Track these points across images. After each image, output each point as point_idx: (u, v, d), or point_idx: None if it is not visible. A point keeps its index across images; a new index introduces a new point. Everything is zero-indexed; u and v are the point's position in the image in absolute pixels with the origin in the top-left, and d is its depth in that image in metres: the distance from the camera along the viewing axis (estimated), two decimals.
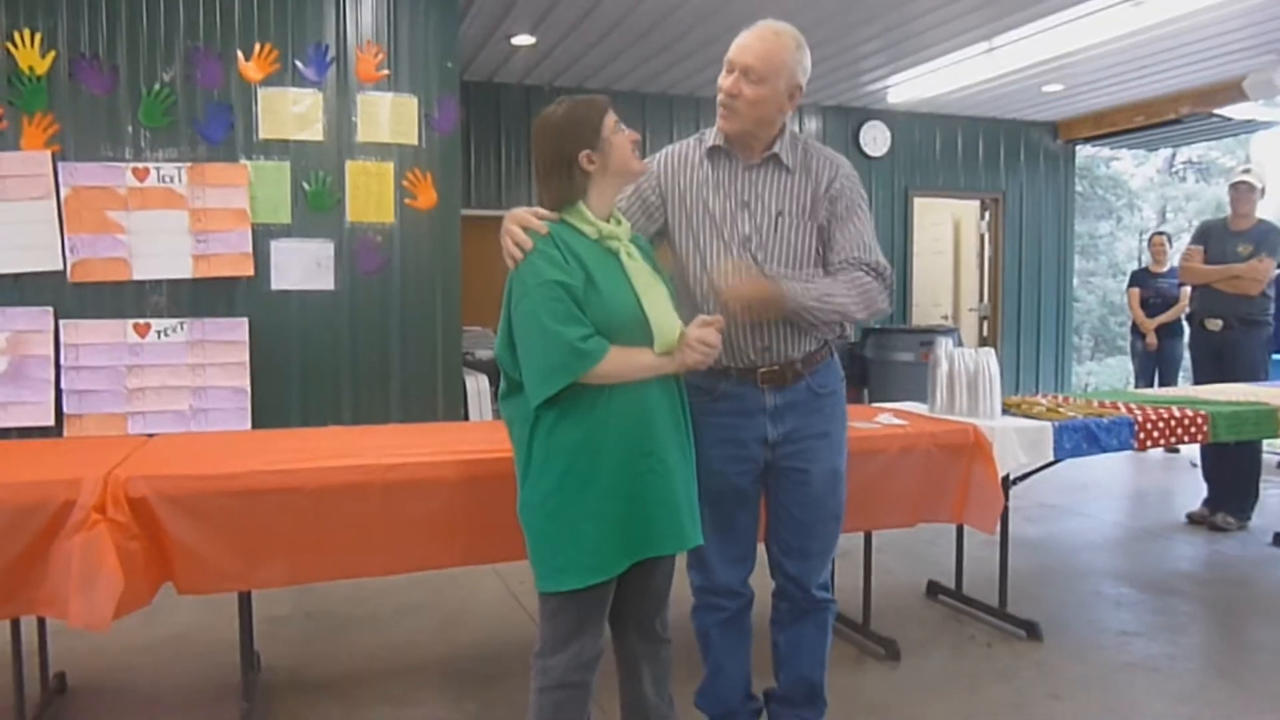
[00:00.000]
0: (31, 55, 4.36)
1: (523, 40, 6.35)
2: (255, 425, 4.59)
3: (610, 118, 2.06)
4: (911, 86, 7.70)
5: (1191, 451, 6.42)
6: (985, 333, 9.38)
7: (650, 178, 2.37)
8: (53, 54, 4.40)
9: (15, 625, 2.64)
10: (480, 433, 3.08)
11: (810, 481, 2.35)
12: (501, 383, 2.11)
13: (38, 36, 4.37)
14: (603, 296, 1.98)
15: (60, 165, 4.40)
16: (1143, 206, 18.59)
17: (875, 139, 8.62)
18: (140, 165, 4.50)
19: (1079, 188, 12.07)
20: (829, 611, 2.48)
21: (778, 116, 2.28)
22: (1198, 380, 5.28)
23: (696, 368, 2.07)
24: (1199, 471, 5.41)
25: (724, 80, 2.24)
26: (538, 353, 1.95)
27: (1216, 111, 7.80)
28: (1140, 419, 3.48)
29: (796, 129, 2.39)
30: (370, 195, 4.83)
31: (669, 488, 2.04)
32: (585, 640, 2.06)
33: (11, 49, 4.34)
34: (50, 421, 4.38)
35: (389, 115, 4.86)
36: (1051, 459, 3.38)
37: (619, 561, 2.02)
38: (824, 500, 2.38)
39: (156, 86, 4.53)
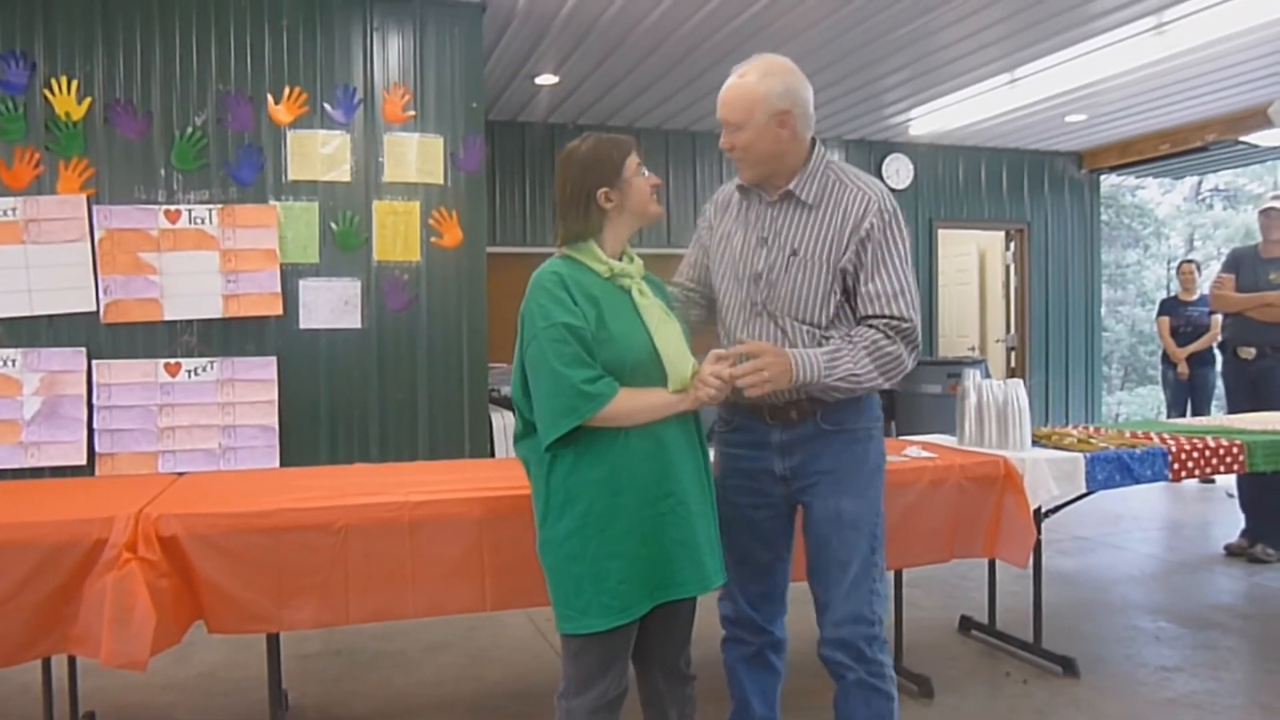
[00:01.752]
0: (68, 101, 4.47)
1: (546, 80, 6.43)
2: (284, 463, 4.61)
3: (633, 159, 2.09)
4: (934, 118, 7.72)
5: (1228, 482, 6.31)
6: (1013, 364, 9.30)
7: (704, 219, 2.44)
8: (89, 100, 4.50)
9: (46, 663, 2.65)
10: (507, 469, 3.08)
11: (812, 521, 2.26)
12: (516, 423, 2.11)
13: (74, 83, 4.47)
14: (614, 335, 1.99)
15: (95, 208, 4.49)
16: (1170, 234, 18.44)
17: (898, 171, 8.62)
18: (172, 207, 4.58)
19: (1105, 217, 12.01)
20: (849, 681, 2.23)
21: (781, 149, 2.21)
22: (1232, 409, 5.20)
23: (710, 404, 2.06)
24: (1236, 502, 5.31)
25: (721, 140, 2.27)
26: (547, 395, 1.96)
27: (1243, 139, 7.74)
28: (1174, 449, 3.43)
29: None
30: (397, 234, 4.88)
31: (690, 528, 2.04)
32: (609, 681, 2.04)
33: (49, 95, 4.44)
34: (83, 460, 4.43)
35: (415, 155, 4.92)
36: (1084, 490, 3.32)
37: (641, 603, 2.00)
38: (828, 542, 2.23)
39: (189, 130, 4.62)
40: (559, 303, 1.97)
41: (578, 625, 1.99)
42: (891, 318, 2.14)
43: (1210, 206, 18.65)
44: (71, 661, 2.90)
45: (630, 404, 1.98)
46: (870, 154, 8.58)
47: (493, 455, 5.37)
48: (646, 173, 2.12)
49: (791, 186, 2.24)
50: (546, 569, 2.05)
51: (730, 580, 2.26)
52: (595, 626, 1.97)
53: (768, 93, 2.17)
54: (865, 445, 2.26)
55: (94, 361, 4.47)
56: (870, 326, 2.16)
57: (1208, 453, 3.48)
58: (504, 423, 5.58)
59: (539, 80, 6.45)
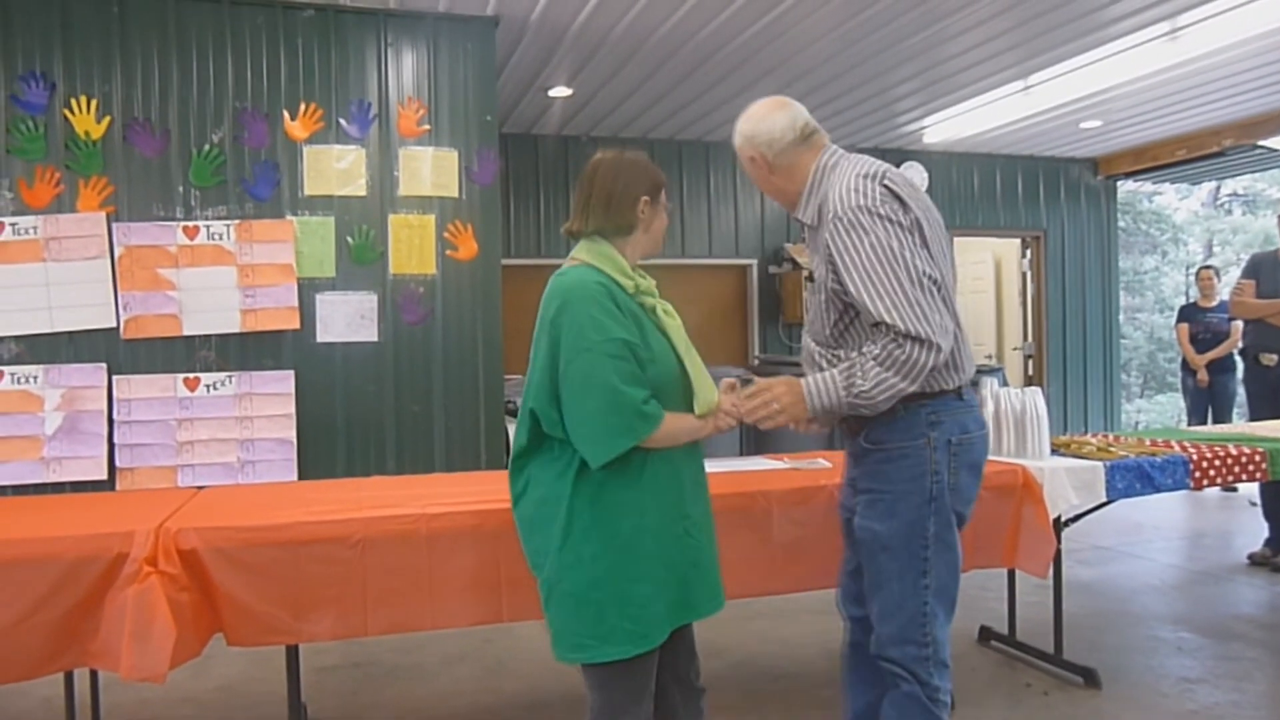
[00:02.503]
0: (88, 121, 4.52)
1: (560, 92, 6.46)
2: (301, 476, 4.64)
3: (662, 191, 2.13)
4: (947, 126, 7.70)
5: (1250, 490, 6.25)
6: (1031, 372, 9.25)
7: None
8: (108, 119, 4.55)
9: (68, 678, 2.67)
10: None
11: (856, 538, 2.24)
12: (522, 438, 2.02)
13: (94, 102, 4.52)
14: (654, 354, 1.98)
15: (114, 225, 4.53)
16: (1188, 240, 18.32)
17: (912, 180, 8.58)
18: (190, 224, 4.62)
19: (1121, 223, 11.93)
20: (901, 690, 2.17)
21: (777, 183, 2.27)
22: (1254, 416, 5.15)
23: (725, 432, 2.09)
24: (1259, 510, 5.26)
25: None
26: (600, 413, 1.88)
27: (1261, 143, 7.69)
28: (1195, 457, 3.40)
29: (834, 156, 2.26)
30: (412, 248, 4.91)
31: (701, 548, 2.04)
32: (642, 708, 2.00)
33: (69, 115, 4.50)
34: (103, 475, 4.46)
35: (430, 169, 4.95)
36: (1104, 499, 3.31)
37: (663, 628, 1.97)
38: (869, 561, 2.19)
39: (206, 147, 4.66)
40: (612, 316, 1.91)
41: (597, 654, 1.92)
42: (882, 324, 2.00)
43: (1229, 212, 18.53)
44: (93, 675, 2.92)
45: (671, 427, 1.96)
46: (884, 162, 8.55)
47: (508, 468, 5.37)
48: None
49: (798, 213, 2.26)
50: (561, 596, 1.95)
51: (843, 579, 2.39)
52: (619, 654, 1.91)
53: (746, 142, 2.26)
54: (899, 464, 2.13)
55: (114, 377, 4.51)
56: (876, 338, 2.05)
57: (1229, 460, 3.45)
58: None
59: (552, 92, 6.48)
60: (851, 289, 2.04)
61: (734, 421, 2.05)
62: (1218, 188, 17.73)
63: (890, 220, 2.05)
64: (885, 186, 2.12)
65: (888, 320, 1.99)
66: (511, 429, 5.46)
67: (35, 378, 4.43)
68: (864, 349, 2.06)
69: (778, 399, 2.05)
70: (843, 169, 2.19)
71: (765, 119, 2.23)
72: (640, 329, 1.97)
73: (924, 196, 2.23)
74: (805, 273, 2.24)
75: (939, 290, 2.07)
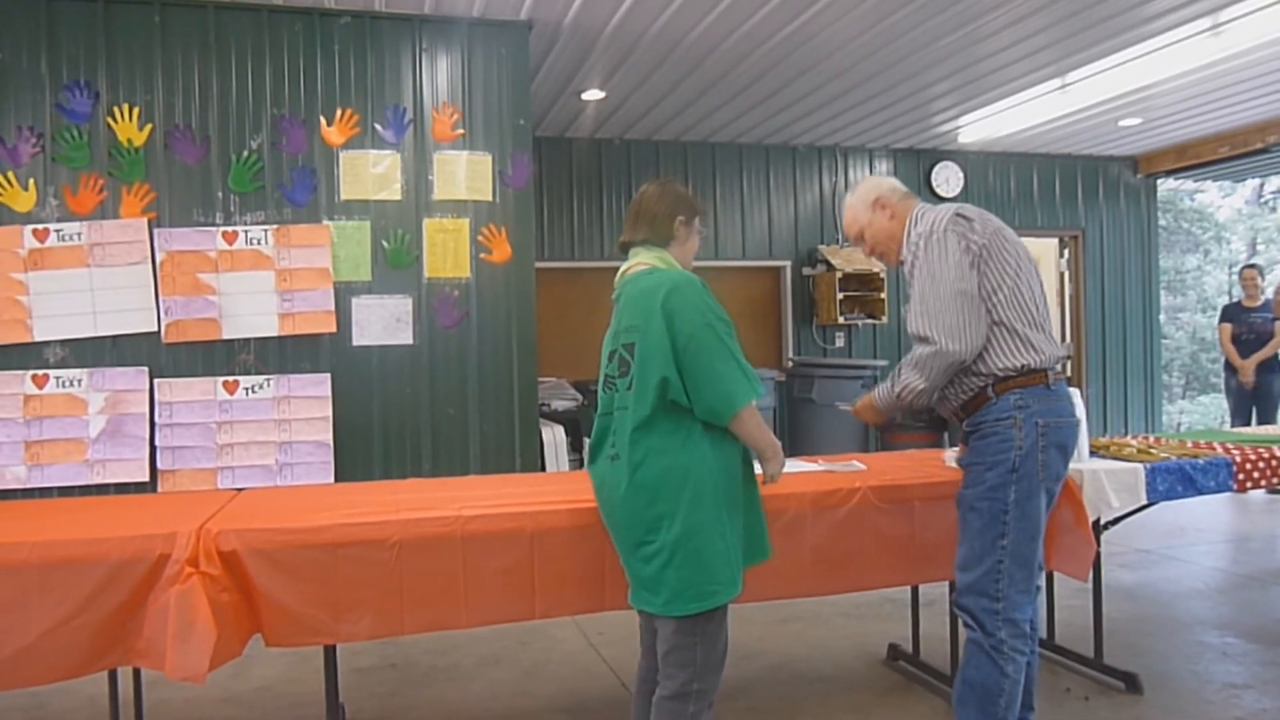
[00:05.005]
0: (130, 128, 4.60)
1: (593, 95, 6.48)
2: (338, 478, 4.69)
3: (701, 218, 2.53)
4: (983, 126, 7.63)
5: None
6: (1070, 373, 9.13)
7: None
8: (149, 127, 4.63)
9: (113, 676, 2.71)
10: (558, 483, 3.10)
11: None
12: (644, 410, 2.25)
13: (135, 111, 4.61)
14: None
15: (156, 231, 4.61)
16: (1231, 239, 17.98)
17: (948, 180, 8.53)
18: (230, 229, 4.69)
19: (1162, 222, 11.76)
20: (971, 640, 2.54)
21: (892, 225, 2.73)
22: None
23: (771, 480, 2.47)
24: None
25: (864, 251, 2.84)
26: (735, 371, 2.24)
27: None
28: (1239, 459, 3.34)
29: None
30: (447, 251, 4.95)
31: (760, 502, 2.44)
32: (726, 653, 2.34)
33: (112, 123, 4.58)
34: (146, 477, 4.54)
35: (464, 173, 4.99)
36: (1144, 502, 3.25)
37: (743, 568, 2.32)
38: (961, 522, 2.61)
39: (245, 154, 4.73)
40: (715, 301, 2.31)
41: (721, 597, 2.22)
42: (914, 335, 2.55)
43: (1273, 209, 18.17)
44: (136, 675, 2.97)
45: (756, 423, 2.32)
46: (919, 163, 8.51)
47: (543, 469, 5.40)
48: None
49: (901, 254, 2.72)
50: (690, 552, 2.21)
51: None
52: (734, 594, 2.25)
53: (863, 206, 2.79)
54: (989, 440, 2.53)
55: (156, 380, 4.59)
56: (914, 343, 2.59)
57: (1274, 463, 3.39)
58: (554, 437, 5.61)
59: (585, 96, 6.50)
60: (912, 303, 2.58)
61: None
62: (1261, 185, 17.39)
63: (943, 240, 2.54)
64: (956, 214, 2.59)
65: (909, 327, 2.56)
66: (546, 431, 5.50)
67: (80, 381, 4.51)
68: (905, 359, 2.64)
69: (862, 402, 2.77)
70: (929, 206, 2.74)
71: (877, 180, 2.82)
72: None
73: (995, 220, 2.63)
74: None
75: (971, 303, 2.49)
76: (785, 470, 2.51)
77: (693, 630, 2.23)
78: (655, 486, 2.23)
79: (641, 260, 2.42)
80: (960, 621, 2.60)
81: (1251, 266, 7.92)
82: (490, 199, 5.02)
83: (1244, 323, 7.37)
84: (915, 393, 2.56)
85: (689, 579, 2.20)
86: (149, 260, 4.59)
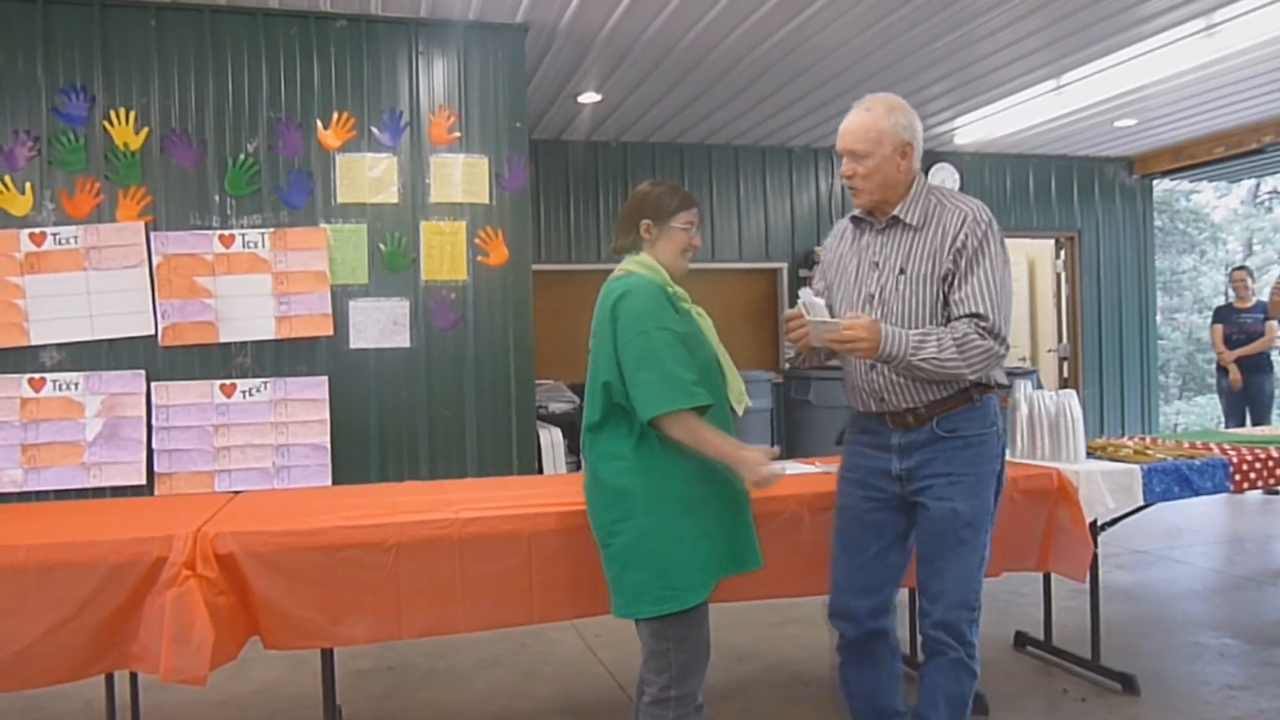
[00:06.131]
0: (126, 132, 4.60)
1: (589, 98, 6.49)
2: (335, 481, 4.68)
3: (687, 215, 2.39)
4: (979, 127, 7.64)
5: None
6: (1066, 374, 9.14)
7: (825, 251, 2.67)
8: (146, 130, 4.63)
9: (109, 679, 2.71)
10: (555, 486, 3.10)
11: (929, 518, 2.43)
12: (594, 413, 2.27)
13: (132, 114, 4.61)
14: (701, 343, 2.31)
15: (152, 234, 4.61)
16: (1227, 239, 18.01)
17: (944, 181, 8.53)
18: (226, 232, 4.69)
19: (1158, 222, 11.77)
20: (948, 658, 2.42)
21: (899, 177, 2.43)
22: None
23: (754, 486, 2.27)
24: None
25: (843, 168, 2.48)
26: (659, 381, 2.17)
27: None
28: (1235, 460, 3.35)
29: (935, 181, 2.55)
30: (444, 254, 4.95)
31: (745, 512, 2.37)
32: (707, 657, 2.29)
33: (108, 127, 4.58)
34: (142, 480, 4.53)
35: (461, 176, 4.99)
36: (1141, 503, 3.26)
37: (719, 574, 2.27)
38: (942, 537, 2.41)
39: (241, 157, 4.73)
40: (664, 308, 2.26)
41: (683, 601, 2.19)
42: (977, 315, 2.31)
43: (1269, 210, 18.20)
44: (133, 678, 2.97)
45: (706, 435, 2.20)
46: None
47: (540, 472, 5.40)
48: (694, 232, 2.42)
49: (897, 212, 2.45)
50: (647, 554, 2.20)
51: (836, 567, 2.57)
52: (697, 599, 2.20)
53: (895, 126, 2.44)
54: (978, 449, 2.42)
55: (152, 383, 4.58)
56: (962, 321, 2.33)
57: (1270, 463, 3.39)
58: (551, 439, 5.61)
59: (581, 98, 6.50)
60: (970, 282, 2.33)
61: (759, 485, 2.24)
62: (1257, 185, 17.41)
63: (1000, 237, 2.41)
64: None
65: (982, 312, 2.30)
66: (544, 434, 5.50)
67: (76, 384, 4.51)
68: (946, 329, 2.32)
69: (862, 330, 2.27)
70: (953, 191, 2.52)
71: (918, 118, 2.50)
72: (687, 324, 2.30)
73: None
74: (898, 269, 2.42)
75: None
76: (787, 472, 2.49)
77: (664, 634, 2.22)
78: (610, 490, 2.26)
79: (623, 265, 2.40)
80: (929, 649, 2.46)
81: (1242, 268, 7.97)
82: (487, 202, 5.02)
83: (1235, 324, 7.43)
84: (943, 374, 2.31)
85: (646, 582, 2.19)
86: (145, 263, 4.59)
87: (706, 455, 2.21)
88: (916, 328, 2.36)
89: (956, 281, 2.35)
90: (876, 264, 2.46)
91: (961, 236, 2.36)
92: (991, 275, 2.34)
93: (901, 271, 2.41)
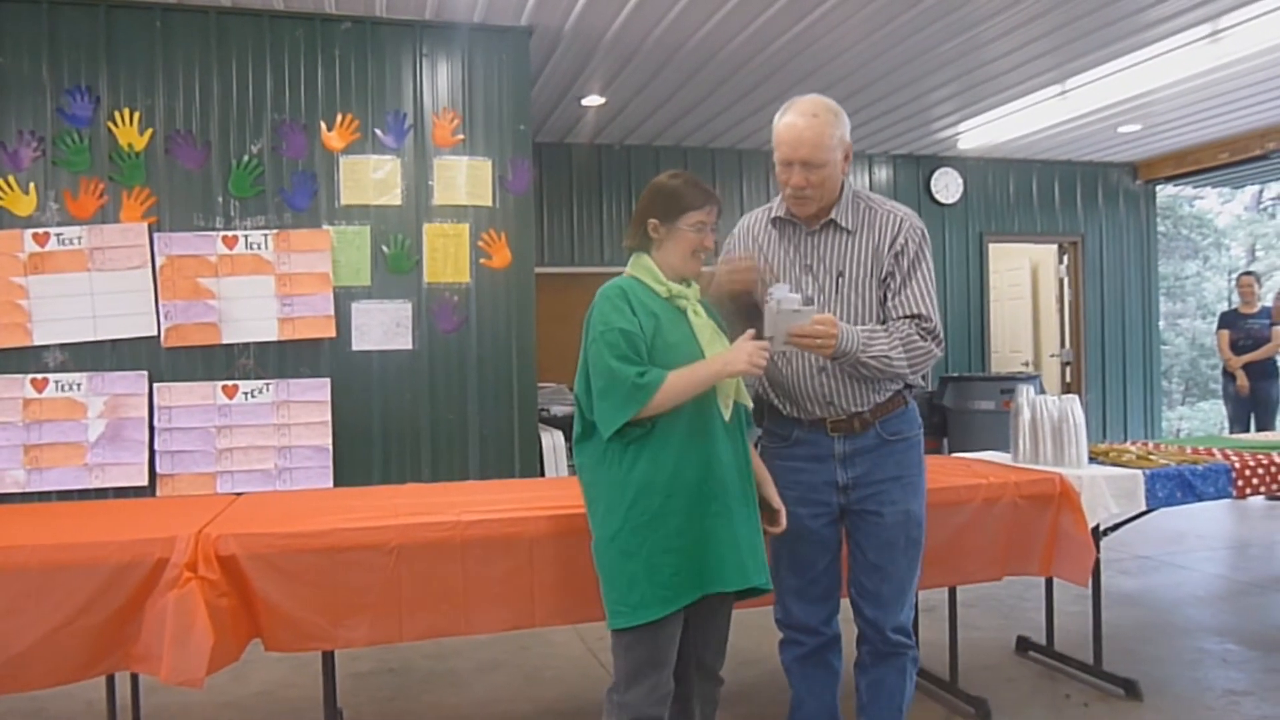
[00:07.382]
0: (131, 133, 4.61)
1: (593, 101, 6.49)
2: (337, 483, 4.68)
3: (696, 215, 2.27)
4: (983, 132, 7.64)
5: None
6: (1069, 379, 9.13)
7: (728, 250, 2.59)
8: (150, 131, 4.64)
9: (111, 680, 2.71)
10: (557, 489, 3.10)
11: (883, 524, 2.42)
12: (576, 425, 2.29)
13: (136, 115, 4.61)
14: (672, 345, 2.22)
15: (156, 236, 4.61)
16: (1230, 245, 17.98)
17: (947, 186, 8.54)
18: (230, 234, 4.69)
19: (1162, 228, 11.77)
20: (907, 657, 2.48)
21: (840, 181, 2.43)
22: None
23: (744, 374, 2.20)
24: None
25: (790, 177, 2.36)
26: (604, 391, 2.16)
27: None
28: (1238, 465, 3.34)
29: (860, 185, 2.49)
30: (447, 256, 4.95)
31: (731, 530, 2.21)
32: (661, 675, 2.18)
33: (113, 128, 4.59)
34: (144, 481, 4.54)
35: (465, 178, 4.99)
36: (1144, 508, 3.25)
37: (689, 594, 2.17)
38: (896, 542, 2.43)
39: (245, 159, 4.74)
40: (618, 311, 2.20)
41: (631, 619, 2.14)
42: (920, 317, 2.36)
43: (1273, 216, 18.17)
44: (134, 680, 2.96)
45: (681, 382, 2.14)
46: (919, 169, 8.51)
47: (543, 475, 5.39)
48: (706, 232, 2.30)
49: (834, 216, 2.44)
50: (601, 567, 2.20)
51: (786, 587, 2.50)
52: (647, 617, 2.13)
53: (841, 130, 2.40)
54: (918, 450, 2.50)
55: (155, 385, 4.59)
56: (904, 321, 2.37)
57: (1274, 469, 3.39)
58: (554, 442, 5.60)
59: (585, 101, 6.51)
60: (911, 286, 2.38)
61: (748, 367, 2.16)
62: (1261, 191, 17.37)
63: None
64: None
65: (923, 313, 2.36)
66: (546, 437, 5.50)
67: (79, 385, 4.51)
68: (889, 329, 2.35)
69: (831, 325, 2.23)
70: (878, 195, 2.54)
71: (842, 115, 2.43)
72: (658, 324, 2.21)
73: None
74: (835, 272, 2.43)
75: None
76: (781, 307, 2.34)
77: (617, 640, 2.21)
78: (587, 501, 2.29)
79: (628, 268, 2.36)
80: (883, 653, 2.47)
81: (1249, 274, 7.95)
82: (490, 204, 5.03)
83: (1241, 329, 7.42)
84: (885, 370, 2.32)
85: (605, 594, 2.20)
86: (149, 265, 4.60)
87: (703, 389, 2.17)
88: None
89: (897, 284, 2.39)
90: (810, 267, 2.45)
91: (901, 240, 2.40)
92: (929, 278, 2.42)
93: (840, 274, 2.42)
